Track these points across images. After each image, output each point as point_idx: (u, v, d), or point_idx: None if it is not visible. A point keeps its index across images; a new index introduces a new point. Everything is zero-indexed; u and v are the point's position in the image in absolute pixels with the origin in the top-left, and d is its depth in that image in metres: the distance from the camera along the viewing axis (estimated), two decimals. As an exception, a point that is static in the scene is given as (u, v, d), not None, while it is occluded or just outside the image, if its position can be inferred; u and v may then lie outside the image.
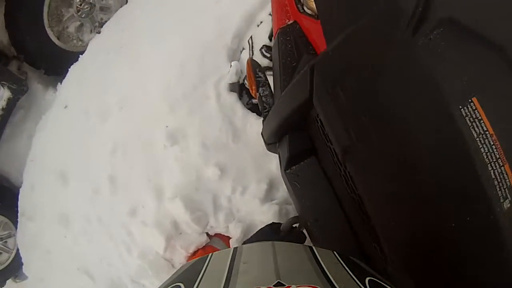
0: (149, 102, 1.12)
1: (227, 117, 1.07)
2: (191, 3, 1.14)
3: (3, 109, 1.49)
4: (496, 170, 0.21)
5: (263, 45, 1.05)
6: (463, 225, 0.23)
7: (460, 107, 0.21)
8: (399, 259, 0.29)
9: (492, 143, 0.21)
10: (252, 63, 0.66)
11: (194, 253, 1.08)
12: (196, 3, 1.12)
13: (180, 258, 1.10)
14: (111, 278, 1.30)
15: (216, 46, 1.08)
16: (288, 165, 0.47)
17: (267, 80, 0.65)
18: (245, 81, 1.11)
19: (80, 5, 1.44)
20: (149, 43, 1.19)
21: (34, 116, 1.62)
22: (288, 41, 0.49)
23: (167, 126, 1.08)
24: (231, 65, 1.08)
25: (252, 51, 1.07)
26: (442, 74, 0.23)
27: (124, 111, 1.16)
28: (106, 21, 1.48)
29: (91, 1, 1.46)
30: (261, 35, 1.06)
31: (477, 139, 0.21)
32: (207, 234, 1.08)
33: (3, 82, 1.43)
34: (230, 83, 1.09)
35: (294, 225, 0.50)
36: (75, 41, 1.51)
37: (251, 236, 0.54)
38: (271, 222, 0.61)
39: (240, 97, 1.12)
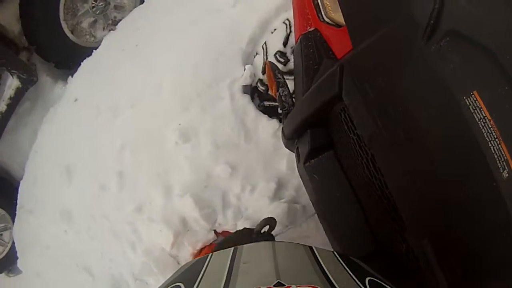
0: (162, 100, 1.20)
1: (239, 118, 1.16)
2: (207, 6, 1.24)
3: (10, 98, 1.55)
4: (495, 147, 0.28)
5: (277, 51, 1.15)
6: (471, 192, 0.31)
7: (464, 97, 0.30)
8: (418, 227, 0.36)
9: (490, 126, 0.28)
10: (272, 66, 0.76)
11: (201, 250, 1.14)
12: (213, 6, 1.22)
13: (186, 255, 1.17)
14: (112, 275, 1.35)
15: (231, 49, 1.17)
16: (307, 158, 0.55)
17: (286, 81, 0.74)
18: (258, 84, 1.20)
19: (95, 1, 1.54)
20: (164, 42, 1.28)
21: (40, 109, 1.69)
22: (310, 46, 0.57)
23: (179, 124, 1.16)
24: (244, 68, 1.18)
25: (266, 55, 1.17)
26: (449, 74, 0.31)
27: (136, 108, 1.24)
28: (119, 20, 1.58)
29: (106, -2, 1.55)
30: (275, 42, 1.16)
31: (479, 122, 0.29)
32: (215, 231, 1.15)
33: (13, 71, 1.50)
34: (243, 85, 1.18)
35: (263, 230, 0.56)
36: (87, 36, 1.60)
37: (221, 241, 0.58)
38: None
39: (252, 99, 1.21)
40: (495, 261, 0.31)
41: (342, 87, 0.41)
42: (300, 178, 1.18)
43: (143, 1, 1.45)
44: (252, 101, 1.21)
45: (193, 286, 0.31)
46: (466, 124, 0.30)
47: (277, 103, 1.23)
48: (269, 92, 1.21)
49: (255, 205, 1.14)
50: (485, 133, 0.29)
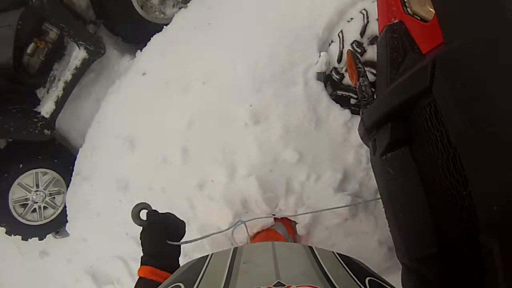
0: (234, 79, 1.27)
1: (312, 105, 1.19)
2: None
3: (76, 68, 1.69)
4: None
5: (354, 40, 1.18)
6: None
7: None
8: (494, 229, 0.38)
9: None
10: (353, 55, 0.80)
11: (257, 233, 1.20)
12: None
13: (241, 237, 1.23)
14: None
15: (307, 35, 1.21)
16: (385, 151, 0.57)
17: (366, 71, 0.77)
18: (332, 72, 1.23)
19: (167, -22, 1.62)
20: (238, 23, 1.35)
21: (104, 81, 1.83)
22: (395, 38, 0.59)
23: (251, 105, 1.22)
24: (320, 55, 1.21)
25: (343, 44, 1.20)
26: None
27: (207, 86, 1.32)
28: (189, -1, 1.66)
29: (178, -24, 1.64)
30: (352, 31, 1.19)
31: None
32: (274, 216, 1.20)
33: (80, 42, 1.62)
34: (318, 72, 1.22)
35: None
36: (157, 13, 1.71)
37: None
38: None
39: (325, 87, 1.24)
40: None
41: (434, 81, 0.43)
42: (366, 172, 1.21)
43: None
44: (325, 89, 1.24)
45: (193, 286, 0.32)
46: None
47: (350, 93, 1.27)
48: (343, 82, 1.24)
49: (318, 194, 1.17)
50: None
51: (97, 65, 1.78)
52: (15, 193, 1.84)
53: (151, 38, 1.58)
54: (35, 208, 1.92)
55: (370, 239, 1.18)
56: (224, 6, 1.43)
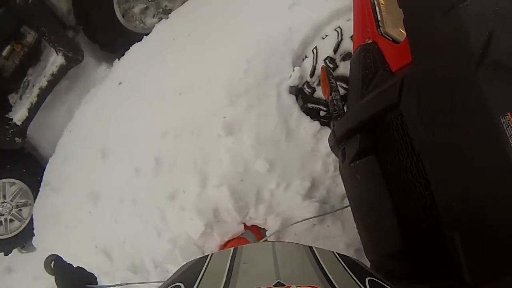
0: (210, 91, 1.36)
1: (283, 117, 1.30)
2: (263, 6, 1.41)
3: (52, 74, 1.73)
4: None
5: (327, 56, 1.30)
6: (501, 195, 0.42)
7: (501, 117, 0.42)
8: (452, 220, 0.46)
9: None
10: (327, 70, 0.89)
11: (228, 242, 1.25)
12: (269, 6, 1.39)
13: (212, 246, 1.29)
14: (132, 260, 1.47)
15: (283, 50, 1.33)
16: (354, 159, 0.66)
17: (338, 86, 0.88)
18: (304, 86, 1.34)
19: (150, -12, 1.72)
20: (217, 36, 1.46)
21: (79, 89, 1.88)
22: (368, 56, 0.68)
23: (224, 117, 1.31)
24: (293, 70, 1.32)
25: (316, 59, 1.32)
26: (490, 95, 0.43)
27: (183, 97, 1.40)
28: (169, 9, 1.77)
29: (160, -14, 1.74)
30: (326, 47, 1.31)
31: (510, 138, 0.41)
32: (244, 224, 1.26)
33: (59, 48, 1.67)
34: (290, 86, 1.33)
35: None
36: (137, 22, 1.80)
37: None
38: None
39: (296, 100, 1.34)
40: None
41: (401, 97, 0.52)
42: (333, 180, 1.30)
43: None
44: (297, 102, 1.34)
45: (193, 286, 0.33)
46: (500, 136, 0.42)
47: (320, 106, 1.38)
48: (314, 95, 1.35)
49: (288, 202, 1.26)
50: None
51: (72, 72, 1.83)
52: (-20, 204, 1.83)
53: (130, 47, 1.66)
54: (0, 221, 1.89)
55: (338, 242, 1.26)
56: (204, 19, 1.55)
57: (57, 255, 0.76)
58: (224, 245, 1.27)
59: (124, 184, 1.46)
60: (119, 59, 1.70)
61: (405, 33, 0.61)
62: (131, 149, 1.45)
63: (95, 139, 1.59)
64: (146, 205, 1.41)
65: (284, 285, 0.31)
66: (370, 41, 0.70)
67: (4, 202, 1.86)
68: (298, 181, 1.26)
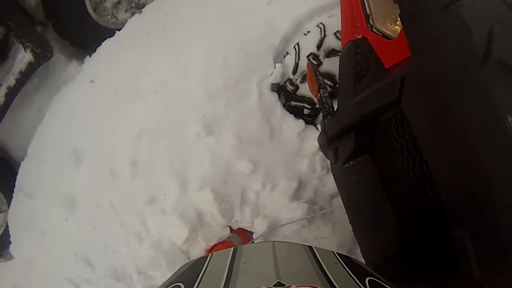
0: (187, 89, 1.26)
1: (265, 115, 1.22)
2: (241, 1, 1.29)
3: (21, 72, 1.57)
4: None
5: (311, 53, 1.22)
6: (507, 188, 0.40)
7: (508, 116, 0.40)
8: (460, 221, 0.44)
9: None
10: (313, 67, 0.83)
11: (214, 246, 1.19)
12: (247, 1, 1.28)
13: (197, 251, 1.21)
14: (114, 267, 1.38)
15: (263, 46, 1.24)
16: (348, 159, 0.62)
17: (326, 83, 0.81)
18: (287, 83, 1.26)
19: (122, -19, 1.58)
20: (192, 31, 1.34)
21: (48, 88, 1.72)
22: (359, 52, 0.64)
23: (203, 115, 1.21)
24: (275, 66, 1.24)
25: (299, 56, 1.24)
26: (496, 94, 0.41)
27: (159, 95, 1.29)
28: (142, 4, 1.63)
29: (132, -20, 1.60)
30: (308, 44, 1.24)
31: None
32: (230, 228, 1.19)
33: (27, 44, 1.51)
34: (272, 83, 1.25)
35: None
36: (109, 17, 1.65)
37: None
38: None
39: (278, 97, 1.26)
40: None
41: (402, 94, 0.49)
42: (320, 180, 1.25)
43: (173, -13, 1.50)
44: (279, 100, 1.26)
45: (193, 286, 0.33)
46: (507, 136, 0.40)
47: (303, 104, 1.31)
48: (297, 92, 1.28)
49: (274, 203, 1.19)
50: None
51: (41, 70, 1.68)
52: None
53: (102, 44, 1.52)
54: (-26, 229, 1.74)
55: (329, 244, 1.22)
56: (179, 13, 1.42)
57: None
58: (210, 250, 1.21)
59: (100, 188, 1.35)
60: (90, 56, 1.55)
61: (397, 29, 0.60)
62: (105, 151, 1.34)
63: (68, 141, 1.45)
64: (125, 210, 1.32)
65: (284, 285, 0.30)
66: (360, 36, 0.65)
67: (-24, 210, 1.71)
68: (285, 182, 1.20)
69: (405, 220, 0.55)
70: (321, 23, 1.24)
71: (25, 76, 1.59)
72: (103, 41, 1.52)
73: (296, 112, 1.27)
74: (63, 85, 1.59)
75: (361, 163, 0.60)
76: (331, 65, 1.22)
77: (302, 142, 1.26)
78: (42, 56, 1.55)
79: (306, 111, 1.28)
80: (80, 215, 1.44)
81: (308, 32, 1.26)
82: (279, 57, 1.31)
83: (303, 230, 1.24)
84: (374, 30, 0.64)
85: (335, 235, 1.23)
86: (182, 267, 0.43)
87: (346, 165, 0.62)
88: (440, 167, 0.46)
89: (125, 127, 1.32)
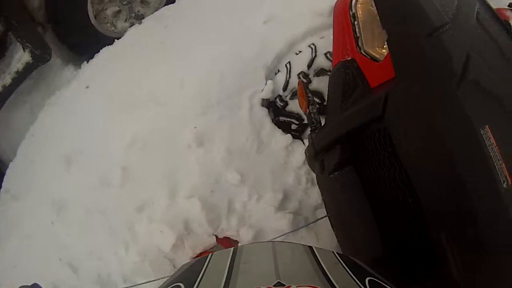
0: (182, 101, 1.27)
1: (255, 129, 1.24)
2: (239, 19, 1.33)
3: (17, 72, 1.53)
4: (498, 165, 0.43)
5: (301, 71, 1.26)
6: (482, 200, 0.44)
7: (480, 129, 0.44)
8: (438, 223, 0.47)
9: (496, 150, 0.44)
10: (304, 85, 0.89)
11: (200, 254, 1.18)
12: (244, 20, 1.32)
13: (183, 258, 1.21)
14: (99, 274, 1.36)
15: (256, 64, 1.28)
16: (333, 170, 0.65)
17: (314, 100, 0.86)
18: (277, 99, 1.29)
19: (125, -9, 1.58)
20: (191, 46, 1.37)
21: (42, 90, 1.70)
22: (348, 73, 0.69)
23: (195, 127, 1.22)
24: (266, 83, 1.27)
25: (290, 74, 1.28)
26: (471, 110, 0.45)
27: (153, 105, 1.30)
28: (142, 14, 1.64)
29: (134, -10, 1.61)
30: (299, 63, 1.28)
31: (489, 147, 0.44)
32: (216, 236, 1.19)
33: (27, 44, 1.48)
34: (263, 99, 1.28)
35: None
36: (109, 24, 1.65)
37: None
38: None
39: (268, 112, 1.29)
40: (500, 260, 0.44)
41: (385, 111, 0.53)
42: (305, 192, 1.28)
43: (173, 1, 1.52)
44: (268, 115, 1.29)
45: (193, 286, 0.32)
46: (480, 147, 0.44)
47: (291, 119, 1.34)
48: (286, 108, 1.31)
49: (260, 213, 1.21)
50: (492, 155, 0.44)
51: (37, 72, 1.64)
52: None
53: (101, 50, 1.51)
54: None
55: None
56: (179, 28, 1.44)
57: (36, 285, 0.60)
58: (195, 258, 1.20)
59: (89, 194, 1.33)
60: (87, 62, 1.54)
61: (384, 52, 0.65)
62: (96, 157, 1.32)
63: (59, 145, 1.43)
64: (113, 217, 1.30)
65: (284, 285, 0.30)
66: (349, 58, 0.70)
67: (-41, 210, 1.62)
68: (271, 193, 1.22)
69: (387, 226, 0.58)
70: (313, 44, 1.28)
71: (21, 76, 1.54)
72: (101, 48, 1.52)
73: (284, 127, 1.30)
74: (57, 89, 1.57)
75: (345, 173, 0.64)
76: (320, 84, 1.27)
77: (289, 155, 1.28)
78: (40, 58, 1.52)
79: (293, 126, 1.31)
80: (67, 219, 1.40)
81: (300, 51, 1.30)
82: (271, 74, 1.34)
83: (288, 239, 1.25)
84: (362, 52, 0.69)
85: (318, 244, 1.25)
86: (182, 267, 0.41)
87: (331, 175, 0.65)
88: (419, 176, 0.50)
89: (118, 134, 1.31)
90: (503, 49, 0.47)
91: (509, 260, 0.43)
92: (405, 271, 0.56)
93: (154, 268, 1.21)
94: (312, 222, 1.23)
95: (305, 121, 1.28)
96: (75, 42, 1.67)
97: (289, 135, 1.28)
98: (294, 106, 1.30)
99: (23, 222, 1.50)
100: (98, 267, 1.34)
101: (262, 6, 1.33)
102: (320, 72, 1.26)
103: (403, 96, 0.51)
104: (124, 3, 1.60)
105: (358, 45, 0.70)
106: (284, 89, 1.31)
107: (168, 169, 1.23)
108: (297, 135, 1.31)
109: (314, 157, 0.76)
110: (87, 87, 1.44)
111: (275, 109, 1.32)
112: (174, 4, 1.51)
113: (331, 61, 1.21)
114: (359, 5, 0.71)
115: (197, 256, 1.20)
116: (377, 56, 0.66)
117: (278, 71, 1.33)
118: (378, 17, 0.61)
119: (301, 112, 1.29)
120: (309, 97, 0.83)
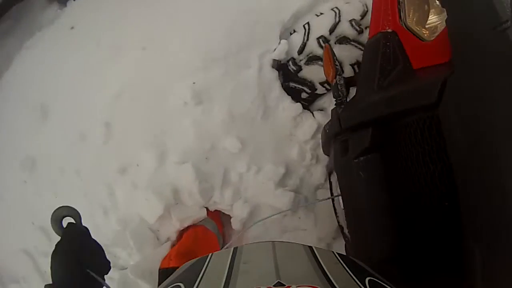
0: (181, 51, 1.08)
1: (262, 92, 1.07)
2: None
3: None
4: None
5: (321, 35, 1.08)
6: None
7: None
8: (476, 232, 0.42)
9: None
10: (331, 51, 0.77)
11: (187, 228, 1.03)
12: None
13: (168, 231, 1.06)
14: (73, 240, 1.17)
15: (271, 19, 1.09)
16: (360, 155, 0.57)
17: (342, 70, 0.78)
18: (289, 62, 1.11)
19: None
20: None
21: (22, 32, 1.46)
22: (388, 46, 0.60)
23: (194, 83, 1.03)
24: (279, 42, 1.08)
25: (308, 36, 1.09)
26: None
27: (147, 53, 1.10)
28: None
29: None
30: (320, 26, 1.10)
31: None
32: (207, 209, 1.04)
33: None
34: (274, 59, 1.09)
35: None
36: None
37: None
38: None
39: (278, 76, 1.11)
40: None
41: (441, 99, 0.46)
42: (307, 169, 1.15)
43: None
44: (278, 79, 1.11)
45: (193, 286, 0.32)
46: None
47: (303, 87, 1.17)
48: (299, 74, 1.13)
49: (258, 187, 1.06)
50: None
51: (16, 11, 1.39)
52: None
53: (89, -11, 1.27)
54: None
55: (309, 236, 1.11)
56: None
57: (77, 212, 0.51)
58: (181, 232, 1.04)
59: (66, 151, 1.14)
60: (74, 0, 1.31)
61: (427, 33, 0.58)
62: (77, 109, 1.12)
63: (36, 94, 1.22)
64: (91, 178, 1.11)
65: (284, 285, 0.29)
66: (390, 30, 0.62)
67: None
68: (271, 166, 1.06)
69: (405, 226, 0.52)
70: (336, 8, 1.10)
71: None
72: (90, -13, 1.29)
73: (294, 94, 1.13)
74: (38, 30, 1.33)
75: (370, 160, 0.57)
76: (342, 53, 1.09)
77: (296, 127, 1.12)
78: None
79: (304, 95, 1.14)
80: (40, 179, 1.22)
81: (321, 13, 1.11)
82: (286, 33, 1.15)
83: (285, 219, 1.11)
84: (406, 26, 0.60)
85: (316, 228, 1.12)
86: (182, 267, 0.41)
87: (356, 160, 0.58)
88: (467, 179, 0.43)
89: (104, 84, 1.11)
90: None
91: None
92: (412, 274, 0.52)
93: (135, 239, 1.04)
94: (312, 203, 1.10)
95: (318, 91, 1.13)
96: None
97: (299, 104, 1.11)
98: (308, 72, 1.12)
99: (-8, 179, 1.31)
100: (72, 233, 1.17)
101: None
102: (343, 40, 1.08)
103: (463, 87, 0.44)
104: None
105: (400, 17, 0.61)
106: (300, 52, 1.12)
107: (158, 128, 1.04)
108: (306, 105, 1.14)
109: (335, 136, 0.68)
110: (72, 27, 1.22)
111: (287, 73, 1.13)
112: None
113: (356, 30, 1.06)
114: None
115: (183, 230, 1.04)
116: (423, 36, 0.59)
117: (294, 31, 1.14)
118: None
119: (315, 80, 1.13)
120: (336, 65, 0.73)
